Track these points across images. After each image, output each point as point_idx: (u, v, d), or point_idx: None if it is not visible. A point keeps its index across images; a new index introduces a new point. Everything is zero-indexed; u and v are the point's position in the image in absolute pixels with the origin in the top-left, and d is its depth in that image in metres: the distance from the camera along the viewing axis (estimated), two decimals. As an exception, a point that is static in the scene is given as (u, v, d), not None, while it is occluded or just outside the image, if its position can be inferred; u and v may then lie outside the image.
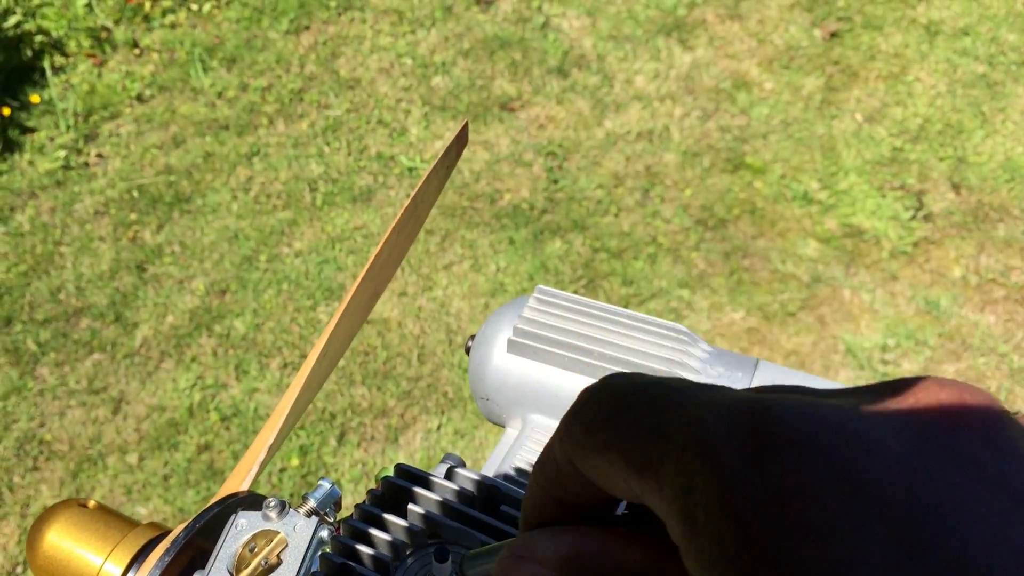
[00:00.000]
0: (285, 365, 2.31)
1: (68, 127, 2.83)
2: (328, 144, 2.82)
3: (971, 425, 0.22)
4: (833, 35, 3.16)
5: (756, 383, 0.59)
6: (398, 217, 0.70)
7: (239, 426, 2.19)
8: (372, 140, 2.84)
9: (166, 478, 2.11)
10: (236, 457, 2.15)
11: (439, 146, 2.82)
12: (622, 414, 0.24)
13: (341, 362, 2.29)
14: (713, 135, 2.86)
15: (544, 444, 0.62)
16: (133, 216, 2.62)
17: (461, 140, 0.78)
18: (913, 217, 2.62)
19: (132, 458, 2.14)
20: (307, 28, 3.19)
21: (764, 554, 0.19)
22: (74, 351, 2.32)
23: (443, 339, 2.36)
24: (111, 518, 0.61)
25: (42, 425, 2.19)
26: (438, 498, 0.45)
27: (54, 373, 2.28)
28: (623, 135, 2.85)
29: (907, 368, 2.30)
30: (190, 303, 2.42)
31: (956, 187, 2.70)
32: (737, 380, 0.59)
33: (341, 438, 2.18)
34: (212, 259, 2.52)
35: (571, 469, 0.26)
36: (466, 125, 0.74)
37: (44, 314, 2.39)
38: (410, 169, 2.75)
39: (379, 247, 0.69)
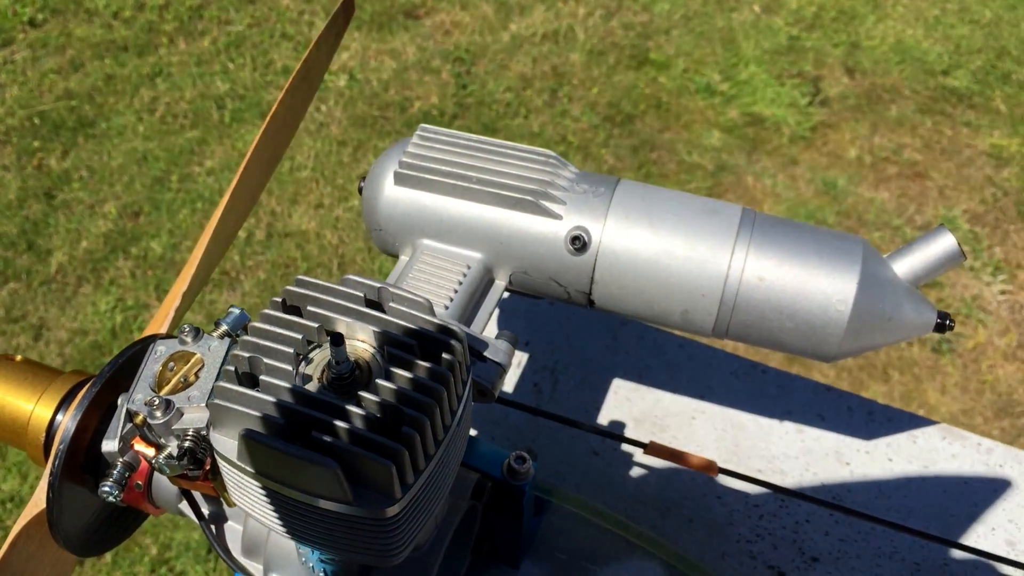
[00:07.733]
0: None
1: (-42, 56, 2.74)
2: (232, 60, 2.79)
3: None
4: (730, -71, 3.20)
5: (616, 199, 0.65)
6: (291, 79, 0.74)
7: (164, 343, 2.21)
8: (277, 54, 2.81)
9: (95, 398, 2.12)
10: (164, 374, 2.17)
11: (345, 57, 2.81)
12: None
13: (262, 275, 2.32)
14: (617, 33, 2.90)
15: (434, 265, 0.68)
16: (36, 143, 2.57)
17: (348, 8, 0.81)
18: (810, 103, 2.72)
19: (58, 382, 2.14)
20: (201, -57, 3.10)
21: None
22: (-12, 282, 2.29)
23: (362, 247, 2.40)
24: (38, 369, 0.65)
25: (-38, 356, 2.18)
26: (334, 300, 0.51)
27: (-30, 305, 2.25)
28: (528, 37, 2.88)
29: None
30: (103, 227, 2.40)
31: (850, 71, 2.80)
32: (601, 195, 0.65)
33: (268, 348, 2.21)
34: (122, 182, 2.50)
35: None
36: (351, -8, 0.78)
37: (-47, 247, 2.35)
38: (318, 81, 2.73)
39: (274, 108, 0.73)
